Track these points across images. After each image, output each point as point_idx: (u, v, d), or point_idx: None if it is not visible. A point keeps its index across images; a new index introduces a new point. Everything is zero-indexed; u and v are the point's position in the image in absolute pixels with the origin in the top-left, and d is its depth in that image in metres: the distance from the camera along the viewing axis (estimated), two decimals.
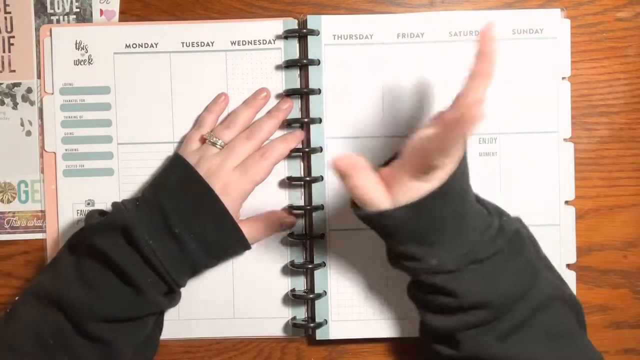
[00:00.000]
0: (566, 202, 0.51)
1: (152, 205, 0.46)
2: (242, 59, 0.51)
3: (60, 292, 0.44)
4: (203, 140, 0.49)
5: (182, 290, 0.48)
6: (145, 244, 0.43)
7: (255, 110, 0.51)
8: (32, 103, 0.53)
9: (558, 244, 0.51)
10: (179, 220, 0.45)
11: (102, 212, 0.48)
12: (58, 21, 0.53)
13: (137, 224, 0.44)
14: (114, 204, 0.47)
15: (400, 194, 0.40)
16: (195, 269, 0.47)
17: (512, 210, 0.50)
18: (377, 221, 0.41)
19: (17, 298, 0.46)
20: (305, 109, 0.51)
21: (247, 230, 0.48)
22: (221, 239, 0.47)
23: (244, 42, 0.51)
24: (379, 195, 0.40)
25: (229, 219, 0.46)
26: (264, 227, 0.50)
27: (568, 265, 0.51)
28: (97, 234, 0.44)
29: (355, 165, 0.40)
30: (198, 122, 0.51)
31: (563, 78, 0.51)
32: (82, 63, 0.52)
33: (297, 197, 0.51)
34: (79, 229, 0.46)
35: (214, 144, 0.48)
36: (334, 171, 0.40)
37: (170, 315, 0.51)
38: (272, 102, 0.51)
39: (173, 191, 0.46)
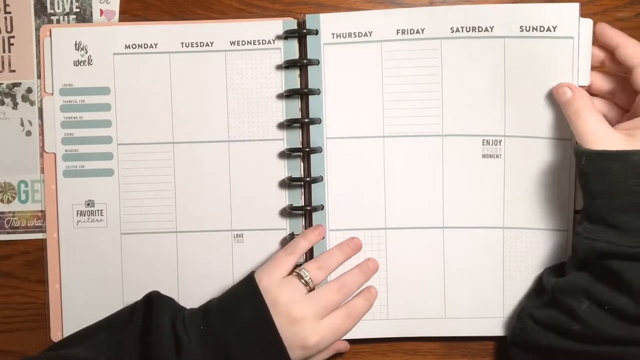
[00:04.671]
0: (576, 212, 0.49)
1: (217, 341, 0.43)
2: (241, 59, 0.51)
3: None
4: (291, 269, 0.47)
5: (183, 291, 0.47)
6: None
7: (346, 257, 0.49)
8: (32, 103, 0.53)
9: (565, 249, 0.50)
10: None
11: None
12: (58, 21, 0.53)
13: None
14: (181, 317, 0.44)
15: None
16: None
17: (520, 215, 0.49)
18: (606, 162, 0.41)
19: None
20: (305, 109, 0.51)
21: None
22: None
23: (244, 42, 0.51)
24: (615, 135, 0.42)
25: None
26: None
27: None
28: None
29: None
30: (291, 246, 0.48)
31: (581, 86, 0.47)
32: (81, 64, 0.52)
33: (297, 197, 0.51)
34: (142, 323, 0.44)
35: (300, 277, 0.46)
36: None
37: None
38: (272, 102, 0.51)
39: (242, 332, 0.44)
